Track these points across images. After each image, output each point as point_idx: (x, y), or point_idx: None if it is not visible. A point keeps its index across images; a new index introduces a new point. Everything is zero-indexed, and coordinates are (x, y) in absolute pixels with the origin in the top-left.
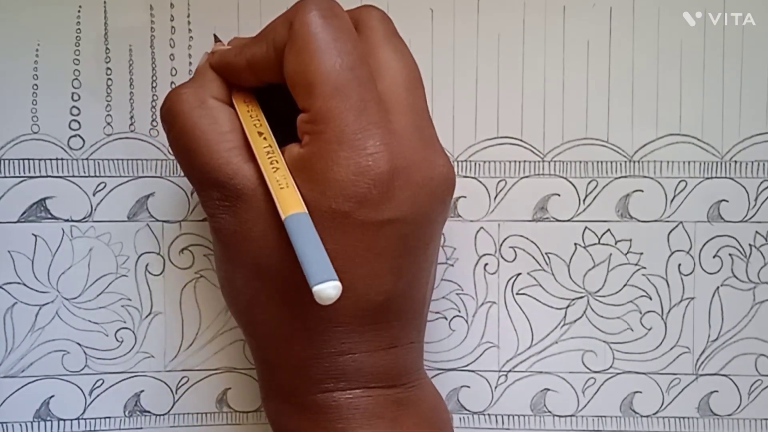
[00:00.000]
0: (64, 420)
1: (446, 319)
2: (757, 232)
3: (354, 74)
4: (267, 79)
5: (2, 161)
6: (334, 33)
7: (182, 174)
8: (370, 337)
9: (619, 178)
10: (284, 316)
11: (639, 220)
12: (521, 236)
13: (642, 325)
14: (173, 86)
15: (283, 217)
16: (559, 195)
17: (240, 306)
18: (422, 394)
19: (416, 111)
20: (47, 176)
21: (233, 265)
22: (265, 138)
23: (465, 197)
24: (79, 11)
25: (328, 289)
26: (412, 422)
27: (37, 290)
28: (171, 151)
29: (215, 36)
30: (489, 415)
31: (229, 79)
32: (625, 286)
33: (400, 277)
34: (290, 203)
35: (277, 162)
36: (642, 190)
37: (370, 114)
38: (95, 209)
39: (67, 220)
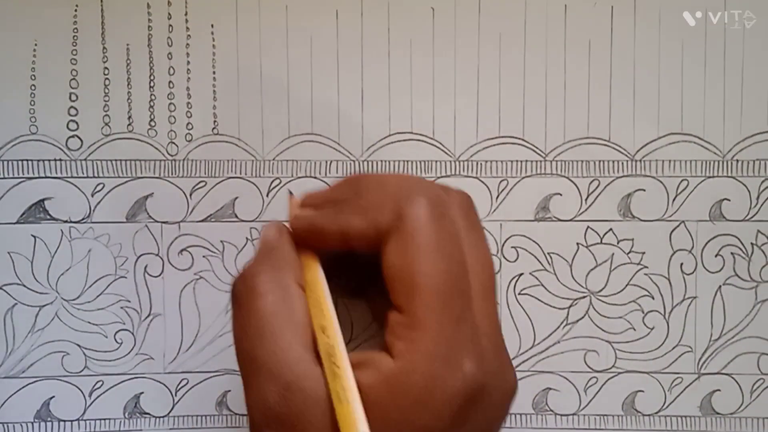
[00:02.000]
0: (64, 421)
1: None
2: (759, 231)
3: (459, 284)
4: (358, 251)
5: (1, 162)
6: (444, 236)
7: (181, 174)
8: None
9: (621, 177)
10: None
11: (641, 220)
12: (523, 236)
13: (644, 324)
14: (171, 85)
15: None
16: (561, 194)
17: None
18: None
19: (495, 322)
20: (46, 177)
21: None
22: (328, 335)
23: None
24: (75, 11)
25: None
26: None
27: (36, 291)
28: (232, 333)
29: (290, 192)
30: None
31: (312, 243)
32: (627, 285)
33: None
34: (349, 423)
35: (338, 367)
36: (644, 190)
37: (466, 328)
38: (94, 210)
39: (65, 221)
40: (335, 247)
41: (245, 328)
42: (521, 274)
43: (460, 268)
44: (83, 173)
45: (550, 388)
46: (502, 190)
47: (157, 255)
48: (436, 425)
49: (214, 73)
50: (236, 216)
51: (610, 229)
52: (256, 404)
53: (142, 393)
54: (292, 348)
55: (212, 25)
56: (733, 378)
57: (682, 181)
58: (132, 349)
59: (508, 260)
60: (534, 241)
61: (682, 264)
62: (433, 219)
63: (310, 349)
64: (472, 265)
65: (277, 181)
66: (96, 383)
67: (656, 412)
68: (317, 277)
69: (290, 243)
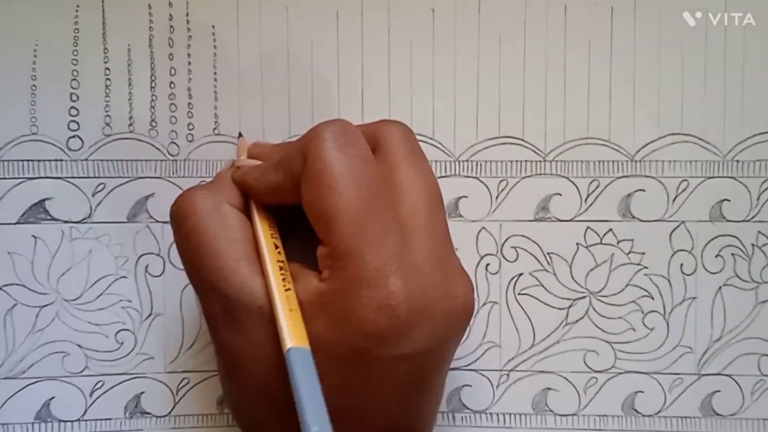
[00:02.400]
0: (65, 421)
1: None
2: (759, 231)
3: (372, 206)
4: (288, 203)
5: (1, 162)
6: (349, 164)
7: (182, 175)
8: None
9: (621, 177)
10: None
11: (641, 220)
12: (523, 236)
13: (644, 324)
14: (172, 86)
15: (286, 348)
16: (560, 195)
17: (243, 422)
18: None
19: (436, 238)
20: (46, 177)
21: (235, 382)
22: (279, 252)
23: (466, 197)
24: (77, 11)
25: None
26: None
27: (37, 292)
28: (177, 251)
29: (240, 134)
30: (490, 414)
31: (250, 198)
32: (627, 285)
33: (409, 404)
34: (296, 334)
35: (287, 282)
36: (644, 190)
37: (389, 247)
38: (94, 210)
39: (66, 222)
40: (272, 202)
41: (184, 247)
42: (521, 274)
43: (372, 191)
44: (84, 173)
45: (550, 389)
46: (502, 190)
47: (158, 255)
48: (362, 343)
49: (215, 73)
50: None
51: (610, 230)
52: (207, 313)
53: (142, 393)
54: (228, 264)
55: (213, 26)
56: (733, 379)
57: (682, 181)
58: (133, 349)
59: (507, 260)
60: (534, 242)
61: (682, 264)
62: (337, 150)
63: (248, 263)
64: (411, 187)
65: None
66: (97, 383)
67: (656, 413)
68: (262, 209)
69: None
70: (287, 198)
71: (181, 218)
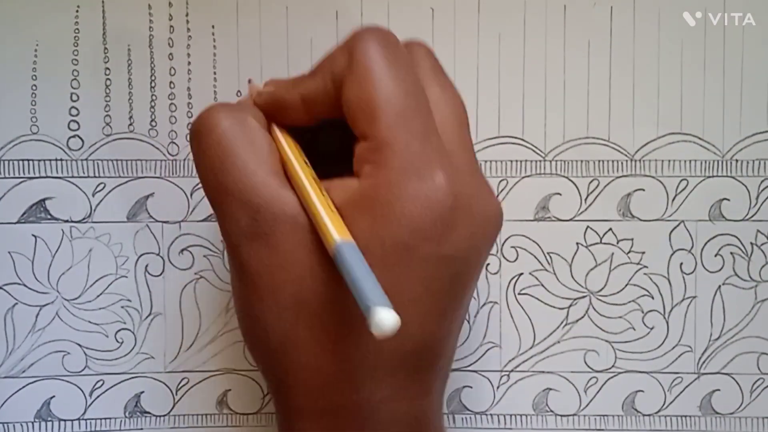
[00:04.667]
0: (65, 420)
1: None
2: (758, 230)
3: (417, 101)
4: (321, 115)
5: (1, 162)
6: (394, 61)
7: (182, 174)
8: (411, 382)
9: (621, 177)
10: (324, 358)
11: (640, 219)
12: (523, 236)
13: (644, 324)
14: (172, 86)
15: (334, 243)
16: (560, 194)
17: (271, 349)
18: None
19: (467, 148)
20: (47, 177)
21: (264, 301)
22: (310, 167)
23: None
24: (77, 11)
25: (388, 319)
26: None
27: (37, 291)
28: (196, 168)
29: (249, 80)
30: (491, 414)
31: (277, 118)
32: (626, 285)
33: (445, 318)
34: (342, 231)
35: (324, 192)
36: (643, 189)
37: (433, 143)
38: (95, 210)
39: (66, 221)
40: (302, 120)
41: (208, 160)
42: (521, 274)
43: (417, 88)
44: (84, 173)
45: (550, 389)
46: (502, 189)
47: (158, 254)
48: (409, 237)
49: (214, 73)
50: None
51: (610, 229)
52: (230, 229)
53: (142, 392)
54: (257, 174)
55: (213, 26)
56: (732, 378)
57: (681, 180)
58: (132, 349)
59: (507, 260)
60: (534, 241)
61: (681, 264)
62: (383, 47)
63: (278, 177)
64: (440, 100)
65: None
66: (96, 383)
67: (656, 412)
68: (287, 132)
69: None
70: (323, 107)
71: (206, 130)
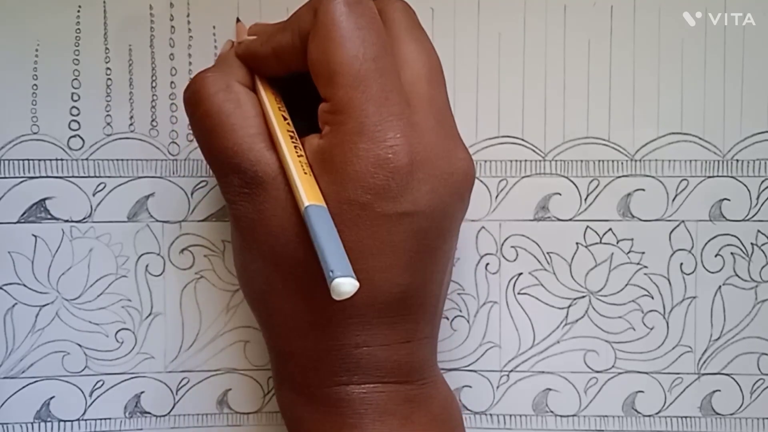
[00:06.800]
0: (65, 421)
1: (448, 319)
2: (759, 230)
3: (377, 65)
4: (293, 68)
5: (2, 162)
6: (358, 21)
7: (182, 174)
8: (385, 330)
9: (621, 177)
10: (300, 306)
11: (641, 219)
12: (523, 236)
13: (644, 324)
14: (173, 86)
15: (303, 206)
16: (560, 194)
17: (255, 294)
18: (434, 392)
19: (437, 104)
20: (47, 177)
21: (250, 253)
22: (288, 123)
23: None
24: (78, 11)
25: (345, 285)
26: (423, 420)
27: (37, 291)
28: (192, 135)
29: (237, 19)
30: (491, 415)
31: (254, 69)
32: (626, 285)
33: (416, 271)
34: (311, 194)
35: (299, 149)
36: (643, 189)
37: (391, 105)
38: (95, 210)
39: (67, 221)
40: (276, 72)
41: (201, 129)
42: (520, 274)
43: (379, 51)
44: (84, 173)
45: (550, 389)
46: (502, 189)
47: (158, 254)
48: (362, 196)
49: None
50: None
51: (610, 229)
52: (225, 188)
53: (142, 392)
54: (245, 141)
55: (214, 27)
56: (733, 378)
57: (681, 180)
58: (133, 349)
59: (507, 260)
60: (533, 241)
61: (681, 264)
62: (347, 7)
63: (262, 138)
64: (413, 57)
65: None
66: (96, 383)
67: (656, 413)
68: (273, 84)
69: (235, 54)
70: (293, 61)
71: (195, 102)
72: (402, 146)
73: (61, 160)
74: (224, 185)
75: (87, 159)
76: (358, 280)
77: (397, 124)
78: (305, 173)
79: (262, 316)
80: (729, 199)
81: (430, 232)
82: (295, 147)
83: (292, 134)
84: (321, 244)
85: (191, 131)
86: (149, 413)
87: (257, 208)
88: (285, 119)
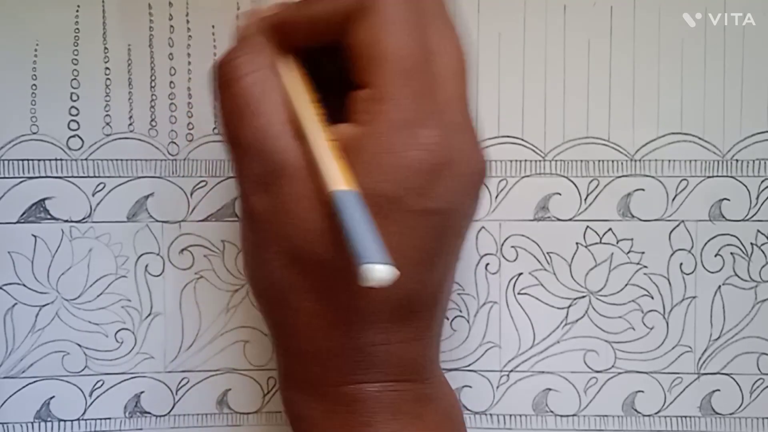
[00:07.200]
0: (65, 421)
1: (448, 319)
2: (758, 230)
3: (424, 57)
4: (324, 41)
5: (1, 162)
6: (414, 14)
7: (182, 174)
8: (401, 327)
9: (621, 177)
10: (322, 305)
11: (640, 219)
12: (522, 236)
13: (644, 324)
14: (172, 85)
15: (335, 189)
16: (560, 194)
17: (272, 293)
18: (441, 391)
19: (464, 101)
20: (46, 177)
21: (269, 249)
22: (319, 107)
23: None
24: (77, 11)
25: (381, 271)
26: (433, 419)
27: (37, 291)
28: (217, 113)
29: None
30: (491, 414)
31: (283, 37)
32: (626, 285)
33: (433, 268)
34: (340, 179)
35: (330, 133)
36: (643, 189)
37: (429, 102)
38: (95, 210)
39: (66, 221)
40: (305, 41)
41: (229, 110)
42: (520, 274)
43: (426, 48)
44: (84, 173)
45: (550, 389)
46: (502, 189)
47: (158, 254)
48: (394, 190)
49: None
50: (237, 215)
51: (610, 229)
52: (245, 178)
53: (142, 392)
54: (272, 125)
55: (213, 26)
56: (732, 378)
57: (681, 180)
58: (132, 349)
59: (507, 260)
60: (533, 241)
61: (681, 264)
62: None
63: (288, 125)
64: (442, 49)
65: None
66: (96, 383)
67: (656, 413)
68: (298, 61)
69: (261, 30)
70: (329, 35)
71: (228, 81)
72: (436, 145)
73: (61, 160)
74: (243, 176)
75: (86, 159)
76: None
77: (433, 122)
78: (339, 158)
79: (277, 315)
80: (729, 199)
81: (448, 231)
82: (325, 133)
83: (321, 117)
84: (354, 229)
85: (216, 112)
86: (149, 413)
87: (279, 200)
88: (315, 103)
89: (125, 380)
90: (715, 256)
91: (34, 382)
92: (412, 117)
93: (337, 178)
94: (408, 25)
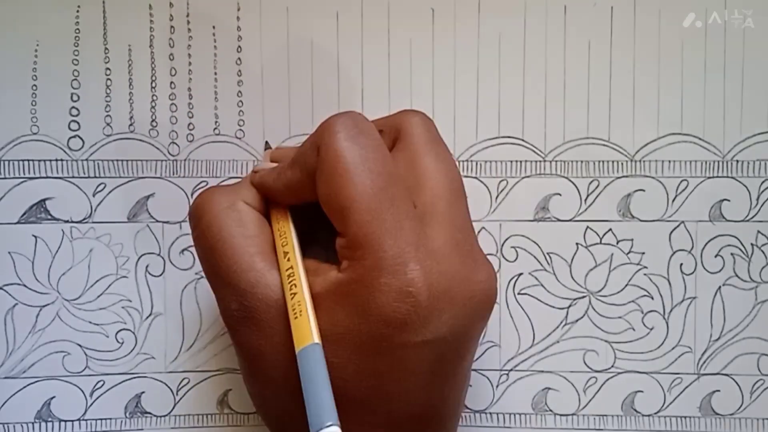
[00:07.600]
0: (65, 421)
1: None
2: (758, 231)
3: (387, 194)
4: (307, 200)
5: (2, 162)
6: (362, 153)
7: (182, 175)
8: None
9: (621, 177)
10: None
11: (640, 220)
12: (523, 236)
13: (643, 324)
14: (173, 86)
15: (297, 350)
16: (560, 195)
17: (271, 420)
18: None
19: (457, 224)
20: (47, 177)
21: (257, 378)
22: (288, 259)
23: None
24: (77, 11)
25: None
26: None
27: (37, 291)
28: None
29: (266, 143)
30: (490, 413)
31: (270, 200)
32: (626, 285)
33: (433, 392)
34: (302, 336)
35: (295, 286)
36: (643, 190)
37: (406, 235)
38: (95, 210)
39: (67, 221)
40: (292, 202)
41: (201, 245)
42: (520, 274)
43: (387, 180)
44: (84, 173)
45: (550, 388)
46: (502, 190)
47: (159, 255)
48: (386, 331)
49: (215, 73)
50: None
51: (610, 230)
52: (225, 312)
53: (143, 392)
54: (244, 260)
55: (213, 27)
56: (732, 379)
57: (681, 181)
58: (133, 349)
59: (507, 260)
60: (533, 241)
61: (681, 264)
62: (349, 141)
63: (263, 258)
64: (432, 174)
65: None
66: (97, 383)
67: (656, 413)
68: (282, 210)
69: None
70: (305, 195)
71: (198, 215)
72: (421, 278)
73: (61, 160)
74: (223, 307)
75: (87, 159)
76: (374, 405)
77: (414, 254)
78: (295, 317)
79: None
80: (729, 200)
81: (448, 355)
82: (291, 284)
83: (290, 271)
84: (308, 391)
85: (193, 247)
86: (150, 413)
87: (260, 334)
88: (286, 254)
89: (126, 380)
90: (716, 256)
91: (35, 382)
92: (390, 255)
93: (299, 335)
94: (364, 168)
